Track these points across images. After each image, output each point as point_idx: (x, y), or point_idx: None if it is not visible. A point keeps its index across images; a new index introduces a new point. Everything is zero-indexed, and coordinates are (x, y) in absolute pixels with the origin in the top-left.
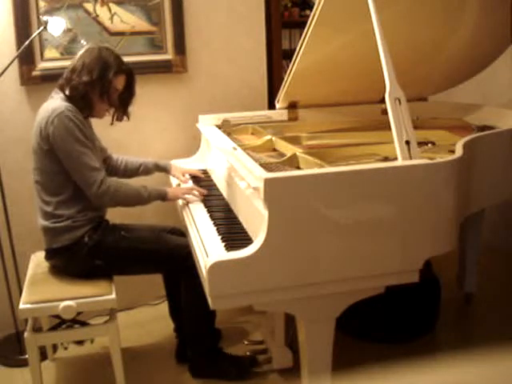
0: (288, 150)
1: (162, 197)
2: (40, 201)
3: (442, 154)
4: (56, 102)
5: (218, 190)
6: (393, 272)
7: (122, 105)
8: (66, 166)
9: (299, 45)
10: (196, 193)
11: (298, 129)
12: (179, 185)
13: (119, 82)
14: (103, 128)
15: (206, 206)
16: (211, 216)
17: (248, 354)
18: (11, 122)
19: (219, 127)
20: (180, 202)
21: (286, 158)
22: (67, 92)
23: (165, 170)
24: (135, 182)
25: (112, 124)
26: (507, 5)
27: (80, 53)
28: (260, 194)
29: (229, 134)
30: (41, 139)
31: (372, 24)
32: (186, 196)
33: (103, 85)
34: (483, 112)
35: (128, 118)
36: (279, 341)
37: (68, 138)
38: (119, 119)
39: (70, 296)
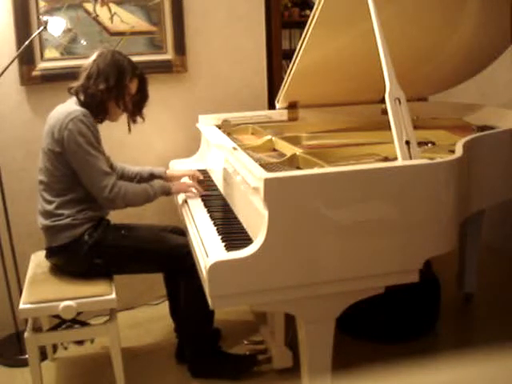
0: (288, 150)
1: (167, 192)
2: (42, 200)
3: (442, 154)
4: (70, 106)
5: (217, 189)
6: (393, 272)
7: (136, 108)
8: (77, 170)
9: (299, 45)
10: (194, 190)
11: (298, 129)
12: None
13: (133, 87)
14: (104, 128)
15: (206, 206)
16: (211, 216)
17: (248, 353)
18: (11, 122)
19: (219, 127)
20: (180, 200)
21: (285, 158)
22: (82, 98)
23: (160, 178)
24: None
25: (130, 130)
26: (507, 5)
27: (92, 58)
28: (260, 194)
29: (229, 134)
30: (53, 141)
31: (372, 24)
32: (189, 190)
33: (119, 91)
34: (483, 112)
35: (143, 120)
36: (279, 341)
37: (82, 142)
38: (134, 121)
39: (70, 296)
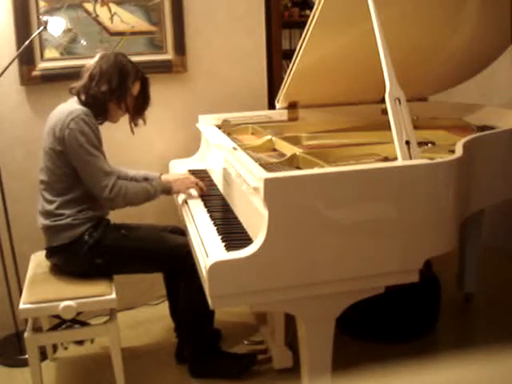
0: (288, 150)
1: (167, 191)
2: (42, 199)
3: (442, 154)
4: (72, 105)
5: (217, 189)
6: (393, 272)
7: (138, 110)
8: (78, 169)
9: (299, 45)
10: (194, 192)
11: (298, 129)
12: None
13: (135, 89)
14: (105, 129)
15: (206, 206)
16: (211, 216)
17: (247, 351)
18: (11, 122)
19: (219, 127)
20: (180, 200)
21: (285, 158)
22: (83, 98)
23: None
24: None
25: (132, 132)
26: (507, 5)
27: (95, 59)
28: (260, 194)
29: (229, 134)
30: (54, 140)
31: (372, 24)
32: (190, 191)
33: (121, 92)
34: (483, 112)
35: (144, 122)
36: (279, 341)
37: (84, 141)
38: (135, 124)
39: (70, 296)
